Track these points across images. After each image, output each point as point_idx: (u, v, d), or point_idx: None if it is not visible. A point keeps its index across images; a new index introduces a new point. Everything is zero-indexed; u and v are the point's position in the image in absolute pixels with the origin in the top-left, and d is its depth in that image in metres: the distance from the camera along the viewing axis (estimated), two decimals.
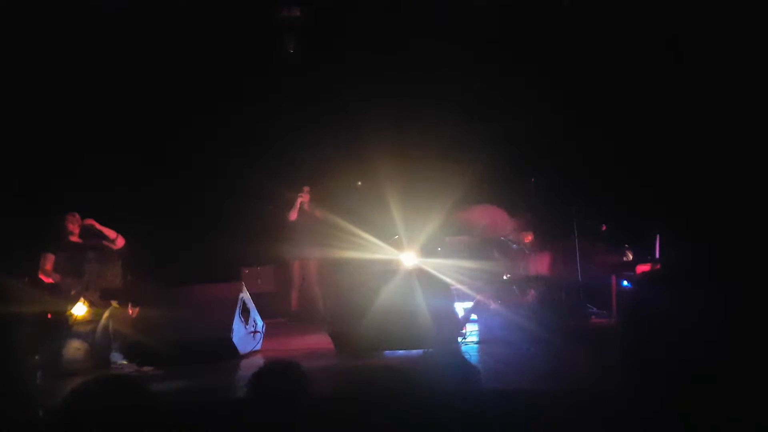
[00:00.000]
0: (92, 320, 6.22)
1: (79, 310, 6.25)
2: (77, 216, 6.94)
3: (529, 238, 7.77)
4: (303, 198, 8.66)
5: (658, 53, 7.30)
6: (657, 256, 7.08)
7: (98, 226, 6.94)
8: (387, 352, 5.91)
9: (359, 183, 9.55)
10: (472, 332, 6.59)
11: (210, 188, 8.99)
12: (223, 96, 8.61)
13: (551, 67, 7.82)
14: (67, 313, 6.19)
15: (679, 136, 7.14)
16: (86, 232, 6.98)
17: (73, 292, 6.43)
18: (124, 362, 6.10)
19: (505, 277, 7.23)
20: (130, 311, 6.49)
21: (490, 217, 7.84)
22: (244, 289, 6.54)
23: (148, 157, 8.54)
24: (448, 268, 6.86)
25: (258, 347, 6.53)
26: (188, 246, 8.43)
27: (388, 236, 8.13)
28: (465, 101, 8.52)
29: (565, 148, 8.05)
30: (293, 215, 8.64)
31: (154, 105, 8.47)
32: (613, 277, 7.18)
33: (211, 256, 8.45)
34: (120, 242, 7.01)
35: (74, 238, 6.86)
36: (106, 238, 6.93)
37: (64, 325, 6.15)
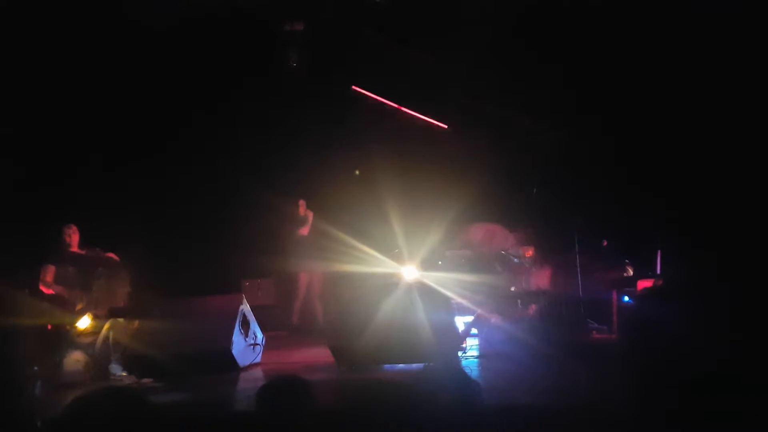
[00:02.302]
0: (93, 332, 6.21)
1: (84, 323, 6.25)
2: (74, 228, 6.94)
3: (530, 252, 7.77)
4: (309, 213, 8.67)
5: (660, 59, 7.31)
6: (658, 271, 7.07)
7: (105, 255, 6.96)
8: (387, 366, 5.89)
9: (357, 172, 9.56)
10: (472, 346, 6.57)
11: (211, 200, 9.00)
12: (223, 108, 8.64)
13: (552, 75, 7.84)
14: (72, 326, 6.19)
15: (683, 150, 7.15)
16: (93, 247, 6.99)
17: (79, 306, 6.42)
18: (124, 374, 6.08)
19: (512, 289, 7.23)
20: (131, 323, 6.47)
21: (489, 234, 7.84)
22: (245, 301, 6.52)
23: (148, 170, 8.55)
24: (449, 282, 6.85)
25: (258, 360, 6.51)
26: (189, 258, 8.42)
27: (388, 249, 8.12)
28: (466, 112, 8.55)
29: (566, 162, 8.06)
30: (306, 230, 8.64)
31: (155, 116, 8.49)
32: (614, 293, 7.17)
33: (212, 268, 8.44)
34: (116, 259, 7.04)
35: (74, 250, 6.86)
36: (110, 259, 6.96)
37: (64, 337, 6.14)
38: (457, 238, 8.01)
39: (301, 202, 8.75)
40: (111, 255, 6.95)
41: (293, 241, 8.67)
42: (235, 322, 6.20)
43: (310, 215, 8.70)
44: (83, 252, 6.91)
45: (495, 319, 6.88)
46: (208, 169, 8.83)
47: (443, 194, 8.01)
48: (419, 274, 7.59)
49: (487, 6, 7.85)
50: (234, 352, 6.07)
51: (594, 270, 7.45)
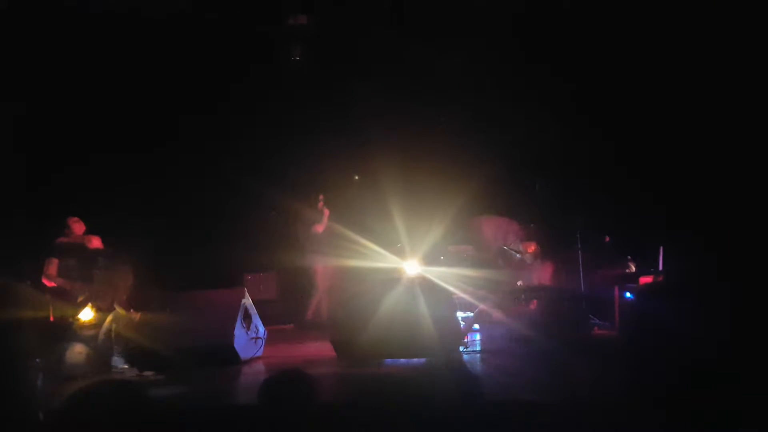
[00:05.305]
0: (95, 325, 6.23)
1: (86, 315, 6.26)
2: (78, 219, 6.95)
3: (532, 248, 7.77)
4: (325, 210, 8.65)
5: (663, 58, 7.30)
6: (660, 268, 7.07)
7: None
8: (389, 361, 5.90)
9: (356, 177, 9.56)
10: (473, 341, 6.58)
11: (214, 194, 9.00)
12: (228, 102, 8.63)
13: (555, 73, 7.83)
14: (74, 318, 6.20)
15: (686, 147, 7.14)
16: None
17: (80, 298, 6.43)
18: (126, 367, 6.10)
19: (519, 283, 7.24)
20: (133, 316, 6.48)
21: (502, 230, 7.83)
22: (247, 295, 6.53)
23: (151, 163, 8.56)
24: (451, 277, 6.85)
25: (259, 353, 6.52)
26: (191, 252, 8.43)
27: (391, 245, 8.12)
28: (469, 109, 8.54)
29: (569, 159, 8.05)
30: (321, 227, 8.61)
31: (159, 110, 8.49)
32: (616, 289, 7.17)
33: (214, 262, 8.45)
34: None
35: (78, 241, 6.86)
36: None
37: (67, 329, 6.15)
38: (467, 233, 8.01)
39: (321, 197, 8.73)
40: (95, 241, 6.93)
41: (308, 235, 8.63)
42: (237, 316, 6.22)
43: (326, 212, 8.66)
44: (85, 243, 6.91)
45: (496, 315, 6.90)
46: (212, 163, 8.82)
47: (446, 190, 8.00)
48: (421, 269, 7.60)
49: (486, 6, 7.85)
50: (236, 345, 6.08)
51: (596, 266, 7.45)
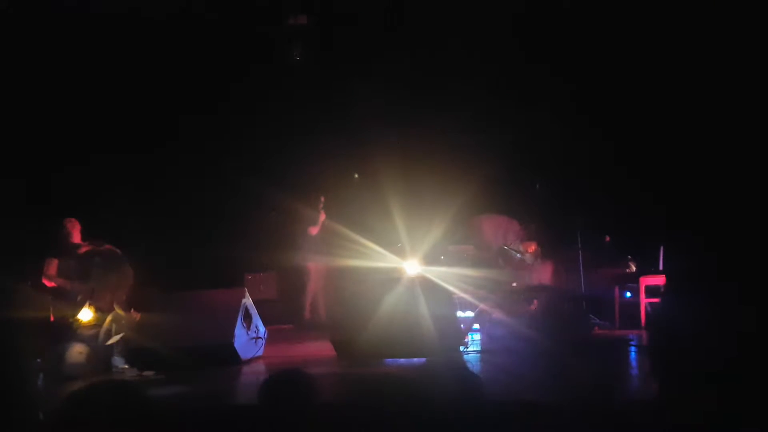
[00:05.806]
0: (95, 324, 6.23)
1: (86, 315, 6.26)
2: (74, 221, 6.95)
3: (532, 248, 7.76)
4: (322, 213, 8.65)
5: (664, 56, 7.30)
6: (661, 267, 7.07)
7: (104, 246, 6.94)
8: (389, 360, 5.89)
9: (356, 176, 9.57)
10: (474, 341, 6.58)
11: (214, 194, 9.00)
12: (228, 102, 8.63)
13: (555, 73, 7.83)
14: (73, 318, 6.20)
15: (686, 146, 7.13)
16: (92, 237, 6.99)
17: (79, 298, 6.43)
18: (126, 366, 6.10)
19: (513, 285, 7.24)
20: (133, 316, 6.48)
21: (502, 229, 7.82)
22: (247, 294, 6.53)
23: (151, 163, 8.56)
24: (451, 277, 6.85)
25: (260, 353, 6.52)
26: (191, 252, 8.43)
27: (391, 244, 8.12)
28: (469, 109, 8.54)
29: (569, 159, 8.05)
30: (315, 230, 8.61)
31: (159, 110, 8.49)
32: (616, 289, 7.18)
33: (214, 262, 8.45)
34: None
35: (76, 242, 6.86)
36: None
37: (67, 329, 6.15)
38: (467, 232, 8.00)
39: (322, 198, 8.74)
40: (109, 246, 6.93)
41: (304, 235, 8.64)
42: (237, 316, 6.20)
43: (323, 215, 8.66)
44: (83, 244, 6.91)
45: (497, 314, 6.89)
46: (212, 163, 8.82)
47: (446, 189, 8.00)
48: (421, 268, 7.59)
49: (486, 6, 7.85)
50: (236, 345, 6.07)
51: (596, 266, 7.45)
